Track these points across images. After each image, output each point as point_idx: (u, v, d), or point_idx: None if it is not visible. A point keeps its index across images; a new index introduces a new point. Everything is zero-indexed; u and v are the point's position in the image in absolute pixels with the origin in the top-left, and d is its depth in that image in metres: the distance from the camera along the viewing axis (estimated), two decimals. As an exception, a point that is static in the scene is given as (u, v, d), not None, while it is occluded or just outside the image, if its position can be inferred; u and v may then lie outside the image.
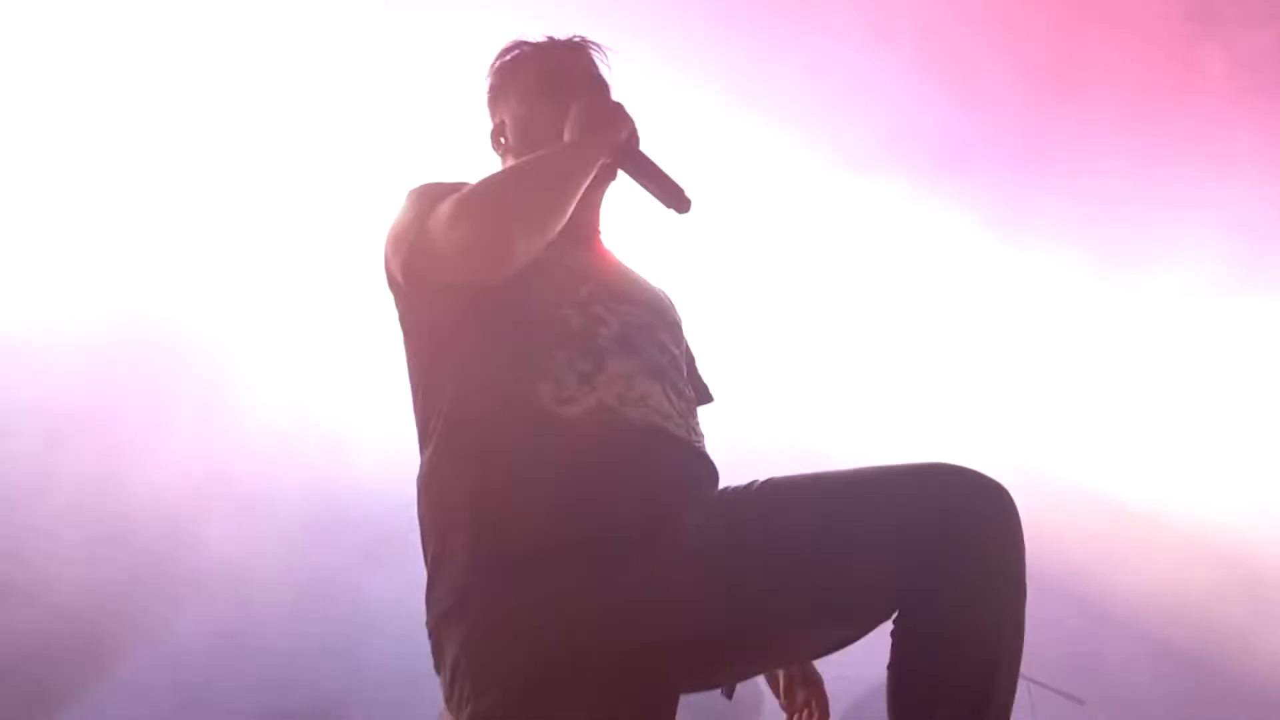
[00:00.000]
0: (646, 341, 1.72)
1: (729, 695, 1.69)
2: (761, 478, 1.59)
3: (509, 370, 1.61)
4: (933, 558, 1.40)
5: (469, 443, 1.61)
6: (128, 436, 4.51)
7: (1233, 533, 5.10)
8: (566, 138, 1.72)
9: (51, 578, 4.30)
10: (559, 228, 1.62)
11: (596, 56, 1.93)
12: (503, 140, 1.92)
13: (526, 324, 1.64)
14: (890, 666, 1.45)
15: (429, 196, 1.68)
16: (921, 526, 1.41)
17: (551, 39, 1.94)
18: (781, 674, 1.87)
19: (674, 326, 1.85)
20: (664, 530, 1.51)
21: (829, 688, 1.85)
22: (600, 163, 1.70)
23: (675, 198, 1.73)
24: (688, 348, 1.94)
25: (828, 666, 1.77)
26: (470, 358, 1.66)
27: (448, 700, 1.54)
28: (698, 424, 1.77)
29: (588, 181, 1.67)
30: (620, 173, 1.80)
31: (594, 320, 1.67)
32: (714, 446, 1.76)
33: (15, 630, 4.28)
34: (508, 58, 1.95)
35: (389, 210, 1.76)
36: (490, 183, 1.66)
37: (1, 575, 4.25)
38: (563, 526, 1.51)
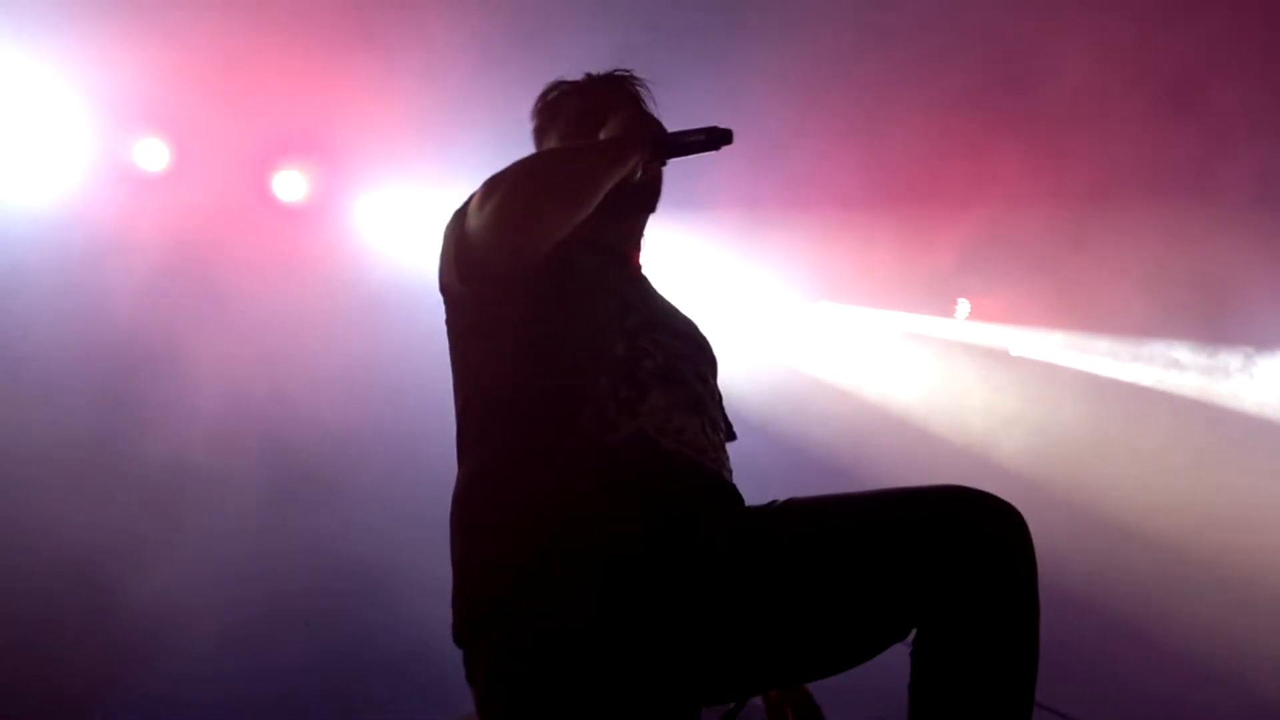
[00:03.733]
0: (688, 373, 1.76)
1: (738, 710, 1.72)
2: (782, 497, 1.64)
3: (555, 394, 1.65)
4: (946, 579, 1.44)
5: (510, 459, 1.65)
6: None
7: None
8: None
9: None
10: (587, 210, 1.64)
11: (633, 89, 1.98)
12: None
13: (574, 348, 1.68)
14: (910, 688, 1.49)
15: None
16: (935, 549, 1.45)
17: (590, 76, 1.99)
18: (775, 695, 1.90)
19: (712, 362, 1.90)
20: (690, 551, 1.55)
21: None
22: (636, 160, 1.73)
23: (715, 139, 1.77)
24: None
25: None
26: (515, 376, 1.69)
27: (481, 708, 1.57)
28: (728, 459, 1.81)
29: (619, 174, 1.70)
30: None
31: (639, 352, 1.71)
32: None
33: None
34: (549, 98, 2.01)
35: (439, 219, 1.81)
36: (524, 160, 1.71)
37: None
38: (595, 544, 1.55)
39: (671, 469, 1.63)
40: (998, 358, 6.02)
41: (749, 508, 1.68)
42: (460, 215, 1.72)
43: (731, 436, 1.94)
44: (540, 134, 2.03)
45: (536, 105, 2.03)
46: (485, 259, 1.66)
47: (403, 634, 4.47)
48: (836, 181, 5.02)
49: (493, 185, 1.63)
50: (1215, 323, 5.34)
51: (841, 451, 5.23)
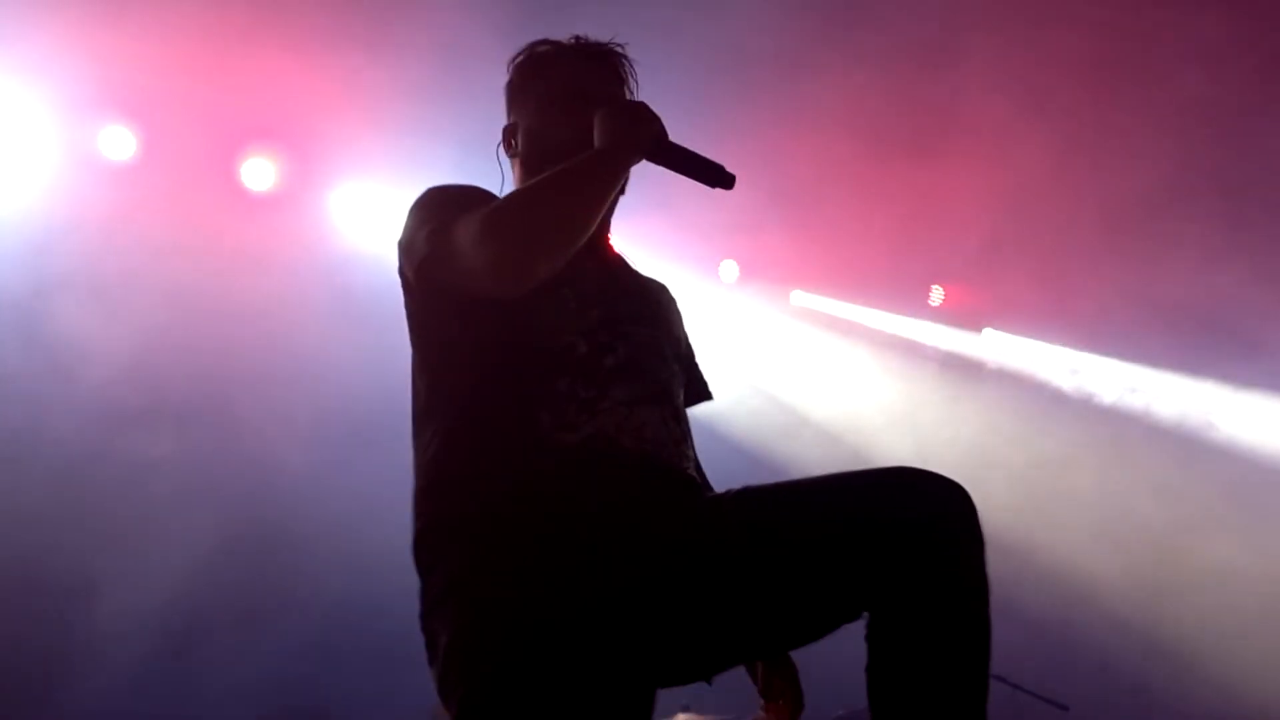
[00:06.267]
0: (652, 362, 1.76)
1: (709, 682, 1.73)
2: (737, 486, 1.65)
3: (512, 396, 1.65)
4: (896, 558, 1.46)
5: (468, 459, 1.65)
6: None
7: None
8: (596, 144, 1.66)
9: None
10: (586, 239, 1.61)
11: (621, 65, 1.88)
12: (513, 143, 1.90)
13: (533, 349, 1.67)
14: (867, 670, 1.51)
15: (450, 204, 1.69)
16: (884, 528, 1.47)
17: (578, 42, 1.88)
18: (760, 665, 1.91)
19: (676, 340, 1.88)
20: (648, 538, 1.57)
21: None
22: (632, 165, 1.68)
23: (717, 176, 1.71)
24: (687, 342, 1.97)
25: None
26: (476, 376, 1.68)
27: (441, 689, 1.58)
28: (690, 448, 1.81)
29: (617, 188, 1.67)
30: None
31: (600, 348, 1.70)
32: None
33: None
34: (533, 56, 1.89)
35: (404, 211, 1.75)
36: (519, 201, 1.64)
37: None
38: (554, 534, 1.56)
39: (629, 465, 1.64)
40: (971, 364, 6.07)
41: (705, 497, 1.70)
42: (439, 227, 1.65)
43: (706, 396, 1.96)
44: (516, 92, 1.91)
45: (517, 60, 1.91)
46: (471, 292, 1.64)
47: (381, 618, 4.46)
48: (831, 178, 5.04)
49: (491, 226, 1.57)
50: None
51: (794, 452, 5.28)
